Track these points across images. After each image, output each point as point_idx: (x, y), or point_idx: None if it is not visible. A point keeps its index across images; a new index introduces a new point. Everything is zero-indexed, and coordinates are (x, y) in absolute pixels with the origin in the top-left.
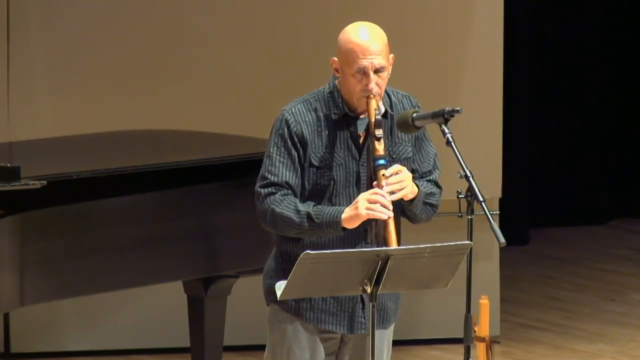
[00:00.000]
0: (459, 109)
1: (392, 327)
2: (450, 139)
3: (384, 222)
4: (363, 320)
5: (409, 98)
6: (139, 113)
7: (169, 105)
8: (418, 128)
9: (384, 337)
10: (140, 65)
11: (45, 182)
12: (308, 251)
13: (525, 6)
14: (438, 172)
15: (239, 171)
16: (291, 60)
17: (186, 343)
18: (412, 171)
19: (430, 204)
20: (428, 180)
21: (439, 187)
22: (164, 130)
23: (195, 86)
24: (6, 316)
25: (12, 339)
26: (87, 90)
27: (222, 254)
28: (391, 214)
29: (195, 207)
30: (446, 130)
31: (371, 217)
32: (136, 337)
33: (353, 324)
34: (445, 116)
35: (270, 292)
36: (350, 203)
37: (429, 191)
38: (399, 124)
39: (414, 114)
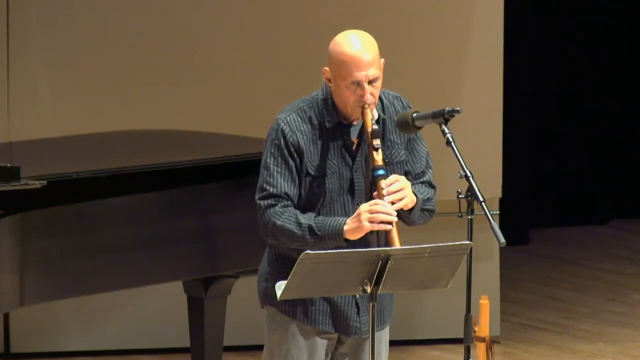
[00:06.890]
0: (459, 109)
1: (388, 327)
2: (450, 139)
3: (387, 233)
4: (358, 324)
5: (400, 99)
6: (138, 113)
7: (169, 105)
8: (418, 128)
9: (382, 338)
10: (140, 65)
11: (45, 182)
12: (308, 251)
13: (525, 6)
14: (431, 171)
15: (239, 171)
16: (289, 60)
17: (186, 343)
18: (406, 173)
19: (428, 210)
20: (422, 182)
21: (432, 187)
22: (164, 130)
23: (196, 86)
24: (6, 316)
25: (12, 339)
26: (87, 90)
27: (222, 254)
28: (394, 224)
29: (195, 207)
30: (446, 130)
31: (374, 229)
32: (136, 337)
33: (349, 328)
34: (445, 116)
35: (266, 294)
36: (345, 210)
37: (425, 197)
38: (399, 124)
39: (414, 114)
